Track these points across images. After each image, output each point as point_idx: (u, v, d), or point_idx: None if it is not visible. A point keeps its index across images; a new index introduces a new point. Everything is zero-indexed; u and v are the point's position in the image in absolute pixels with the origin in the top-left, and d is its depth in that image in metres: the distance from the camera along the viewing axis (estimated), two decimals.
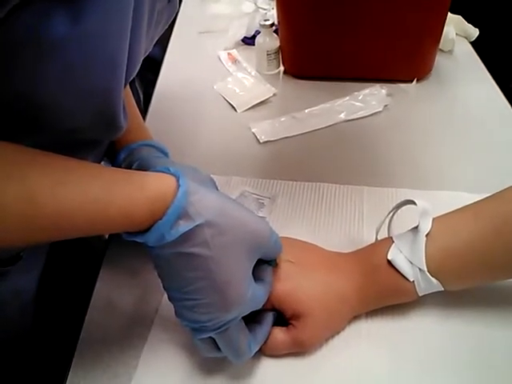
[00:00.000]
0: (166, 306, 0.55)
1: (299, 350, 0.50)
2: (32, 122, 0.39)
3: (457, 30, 1.00)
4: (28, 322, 0.62)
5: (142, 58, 0.46)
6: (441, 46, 0.93)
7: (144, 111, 0.86)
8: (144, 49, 0.45)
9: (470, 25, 1.02)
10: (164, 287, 0.44)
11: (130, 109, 0.57)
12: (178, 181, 0.40)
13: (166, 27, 0.52)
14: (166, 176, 0.41)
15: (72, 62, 0.35)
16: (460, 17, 1.01)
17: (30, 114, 0.38)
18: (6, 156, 0.34)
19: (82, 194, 0.36)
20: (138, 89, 1.43)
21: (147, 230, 0.39)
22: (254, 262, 0.45)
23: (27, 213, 0.33)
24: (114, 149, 0.59)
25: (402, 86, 0.88)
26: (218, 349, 0.46)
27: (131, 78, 0.46)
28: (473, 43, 1.02)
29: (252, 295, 0.44)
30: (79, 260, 0.73)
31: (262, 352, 0.49)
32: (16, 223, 0.33)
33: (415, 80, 0.88)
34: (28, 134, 0.39)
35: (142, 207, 0.38)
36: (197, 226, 0.39)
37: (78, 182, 0.36)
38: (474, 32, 1.01)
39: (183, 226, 0.39)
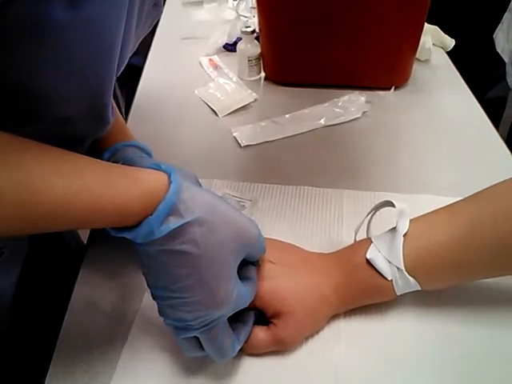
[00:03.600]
0: (146, 306, 0.55)
1: (280, 348, 0.50)
2: (26, 111, 0.39)
3: (433, 41, 1.02)
4: (5, 324, 0.61)
5: (129, 55, 0.47)
6: (418, 55, 0.95)
7: (125, 116, 0.86)
8: (132, 45, 0.45)
9: (446, 35, 1.04)
10: (148, 285, 0.44)
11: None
12: (169, 177, 0.41)
13: (150, 30, 0.53)
14: (158, 172, 0.41)
15: (69, 48, 0.36)
16: (437, 27, 1.03)
17: (26, 101, 0.38)
18: (1, 144, 0.34)
19: (77, 183, 0.36)
20: (119, 95, 1.42)
21: (137, 225, 0.39)
22: (239, 262, 0.45)
23: (24, 199, 0.33)
24: (98, 149, 0.60)
25: (381, 93, 0.90)
26: (202, 348, 0.45)
27: (120, 72, 0.46)
28: (449, 53, 1.04)
29: (238, 294, 0.44)
30: (57, 262, 0.72)
31: (244, 351, 0.49)
32: (13, 210, 0.33)
33: (393, 88, 0.90)
34: (21, 123, 0.39)
35: (135, 200, 0.38)
36: (186, 223, 0.39)
37: (73, 172, 0.37)
38: (450, 42, 1.03)
39: (173, 223, 0.39)
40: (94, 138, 0.55)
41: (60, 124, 0.43)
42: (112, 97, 0.47)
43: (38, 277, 0.66)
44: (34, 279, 0.64)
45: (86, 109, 0.44)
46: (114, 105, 0.63)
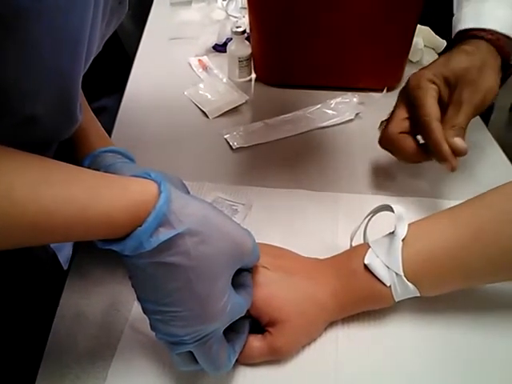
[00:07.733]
0: (136, 315, 0.53)
1: (276, 357, 0.49)
2: None
3: (425, 42, 1.01)
4: None
5: (96, 53, 0.46)
6: (410, 56, 0.94)
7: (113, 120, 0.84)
8: (98, 41, 0.44)
9: (437, 36, 1.03)
10: (139, 299, 0.42)
11: (86, 114, 0.56)
12: (159, 187, 0.39)
13: (115, 29, 0.51)
14: (147, 182, 0.39)
15: (35, 37, 0.34)
16: (428, 28, 1.03)
17: None
18: None
19: (63, 193, 0.35)
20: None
21: (125, 237, 0.37)
22: (233, 272, 0.44)
23: (5, 209, 0.32)
24: (76, 158, 0.58)
25: (373, 94, 0.89)
26: (196, 361, 0.44)
27: (87, 67, 0.45)
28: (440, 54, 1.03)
29: (232, 305, 0.42)
30: (44, 273, 0.70)
31: (238, 360, 0.48)
32: None
33: (386, 89, 0.89)
34: None
35: (122, 211, 0.37)
36: (177, 234, 0.37)
37: (58, 182, 0.35)
38: (442, 43, 1.02)
39: (163, 235, 0.37)
40: (61, 140, 0.53)
41: (26, 121, 0.41)
42: (80, 94, 0.46)
43: (25, 286, 0.64)
44: (6, 291, 0.62)
45: (52, 104, 0.42)
46: (89, 110, 0.62)
